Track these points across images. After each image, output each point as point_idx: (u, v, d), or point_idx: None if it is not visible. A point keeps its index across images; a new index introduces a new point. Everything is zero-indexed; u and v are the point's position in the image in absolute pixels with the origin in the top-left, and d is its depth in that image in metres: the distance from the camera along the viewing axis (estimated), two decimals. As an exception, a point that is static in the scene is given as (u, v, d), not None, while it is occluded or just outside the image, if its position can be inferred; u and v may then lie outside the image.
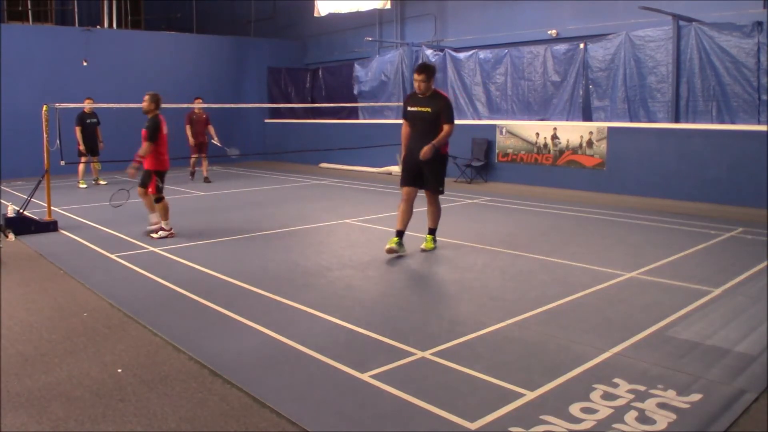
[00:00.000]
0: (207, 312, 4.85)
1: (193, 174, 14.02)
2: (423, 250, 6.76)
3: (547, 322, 4.58)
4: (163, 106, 12.18)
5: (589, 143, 12.05)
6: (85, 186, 12.64)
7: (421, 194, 6.79)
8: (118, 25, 19.95)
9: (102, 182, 13.13)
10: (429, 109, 6.43)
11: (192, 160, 13.88)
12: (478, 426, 3.07)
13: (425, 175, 6.59)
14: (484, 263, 6.39)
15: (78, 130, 12.47)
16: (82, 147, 12.48)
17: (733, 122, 10.52)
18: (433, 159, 6.42)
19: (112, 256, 6.68)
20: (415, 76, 6.46)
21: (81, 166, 12.56)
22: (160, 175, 7.62)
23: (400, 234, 6.63)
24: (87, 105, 12.25)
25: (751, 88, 10.28)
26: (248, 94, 18.78)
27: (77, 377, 3.68)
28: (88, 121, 12.57)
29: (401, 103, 14.39)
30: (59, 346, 4.18)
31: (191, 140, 13.39)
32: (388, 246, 6.56)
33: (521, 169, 13.13)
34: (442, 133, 6.44)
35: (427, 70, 6.46)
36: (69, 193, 11.70)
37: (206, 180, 13.56)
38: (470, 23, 15.18)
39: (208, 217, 9.24)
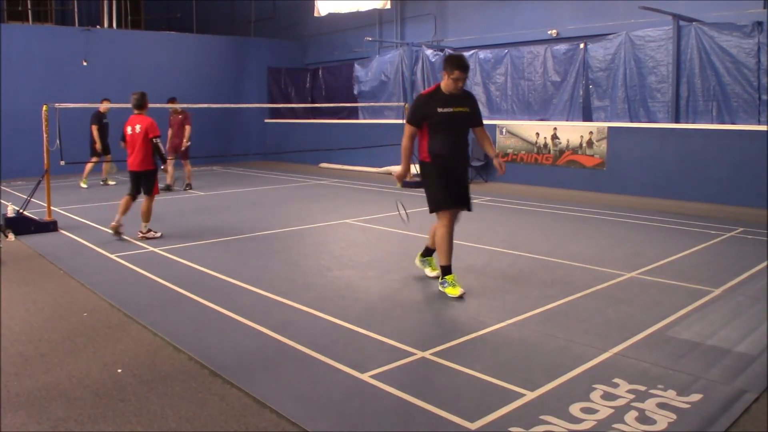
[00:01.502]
0: (207, 312, 4.85)
1: (170, 187, 12.08)
2: (441, 283, 5.37)
3: (547, 322, 4.58)
4: (163, 106, 12.25)
5: (589, 143, 12.05)
6: (86, 186, 12.63)
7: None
8: (118, 25, 19.95)
9: (111, 182, 13.08)
10: (467, 109, 5.34)
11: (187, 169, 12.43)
12: (478, 426, 3.07)
13: (464, 190, 5.40)
14: (484, 263, 6.39)
15: (95, 129, 12.47)
16: (99, 146, 12.47)
17: (733, 122, 10.52)
18: (466, 168, 5.57)
19: (112, 256, 6.68)
20: (458, 73, 5.08)
21: (88, 165, 12.55)
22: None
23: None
24: (103, 105, 12.15)
25: (751, 88, 10.28)
26: (248, 94, 18.79)
27: (77, 377, 3.68)
28: (105, 120, 12.60)
29: (401, 104, 14.35)
30: (59, 346, 4.18)
31: (168, 143, 12.17)
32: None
33: (521, 169, 13.13)
34: (489, 140, 5.56)
35: (468, 66, 5.36)
36: (69, 193, 11.70)
37: (168, 188, 11.89)
38: (470, 23, 15.19)
39: (208, 217, 9.23)
